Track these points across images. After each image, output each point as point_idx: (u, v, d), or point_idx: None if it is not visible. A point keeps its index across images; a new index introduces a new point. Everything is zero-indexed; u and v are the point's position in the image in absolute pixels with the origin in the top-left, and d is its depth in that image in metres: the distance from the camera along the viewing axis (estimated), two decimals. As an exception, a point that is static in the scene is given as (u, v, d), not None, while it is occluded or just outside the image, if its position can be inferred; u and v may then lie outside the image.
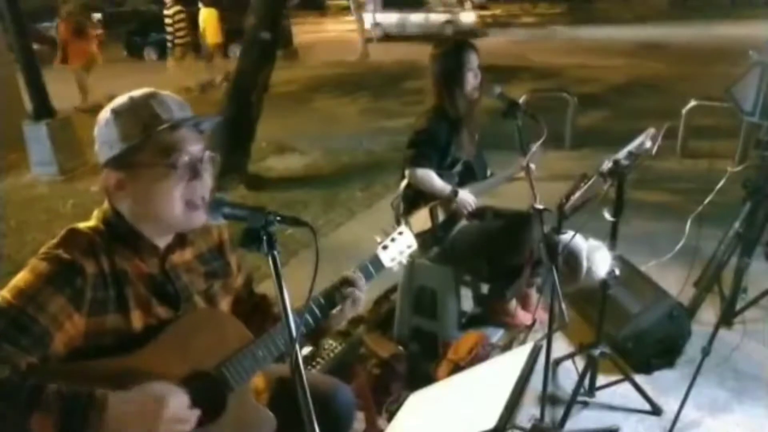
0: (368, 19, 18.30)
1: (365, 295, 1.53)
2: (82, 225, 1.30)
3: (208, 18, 10.89)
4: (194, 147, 1.28)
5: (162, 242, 1.35)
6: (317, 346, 2.48)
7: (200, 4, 11.06)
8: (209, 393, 1.30)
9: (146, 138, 1.24)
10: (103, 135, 1.28)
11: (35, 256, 1.23)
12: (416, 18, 18.99)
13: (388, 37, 18.83)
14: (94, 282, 1.23)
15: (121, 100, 1.29)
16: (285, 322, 1.11)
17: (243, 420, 1.37)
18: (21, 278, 1.20)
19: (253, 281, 1.64)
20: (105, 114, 1.29)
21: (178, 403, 1.20)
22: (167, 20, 10.60)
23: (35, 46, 7.14)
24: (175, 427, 1.19)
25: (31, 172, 6.30)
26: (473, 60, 2.64)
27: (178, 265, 1.38)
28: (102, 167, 1.30)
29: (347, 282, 1.50)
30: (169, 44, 10.98)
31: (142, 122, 1.24)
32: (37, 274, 1.19)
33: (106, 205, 1.33)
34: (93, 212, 1.34)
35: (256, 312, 1.59)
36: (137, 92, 1.30)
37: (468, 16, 19.45)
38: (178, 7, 10.48)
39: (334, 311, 1.49)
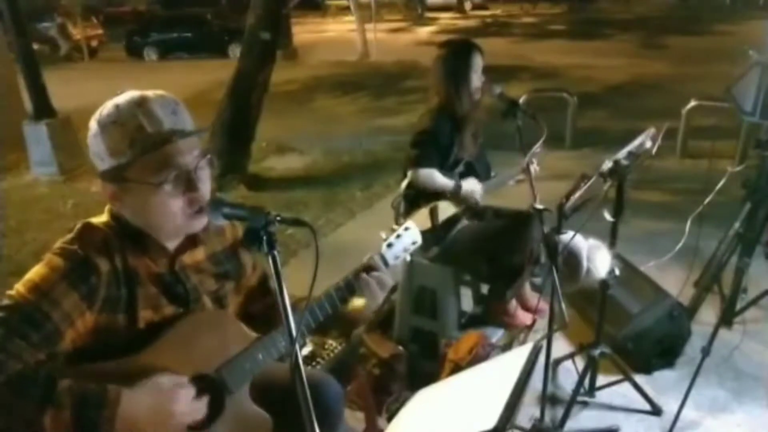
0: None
1: (390, 276, 1.51)
2: (96, 220, 1.29)
3: None
4: (187, 157, 1.23)
5: (171, 243, 1.33)
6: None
7: None
8: (208, 395, 1.30)
9: (134, 155, 1.19)
10: (93, 146, 1.24)
11: (51, 251, 1.21)
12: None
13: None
14: (108, 280, 1.22)
15: (107, 109, 1.22)
16: (285, 322, 1.11)
17: (239, 422, 1.37)
18: (36, 272, 1.18)
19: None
20: (92, 125, 1.23)
21: (188, 395, 1.22)
22: None
23: (35, 46, 7.14)
24: (185, 419, 1.22)
25: (31, 172, 6.30)
26: (479, 61, 2.65)
27: (188, 266, 1.37)
28: (98, 177, 1.27)
29: (368, 267, 1.49)
30: None
31: (129, 136, 1.18)
32: (53, 269, 1.18)
33: None
34: (93, 212, 1.32)
35: (273, 310, 1.56)
36: (124, 99, 1.22)
37: None
38: None
39: (356, 297, 1.49)
